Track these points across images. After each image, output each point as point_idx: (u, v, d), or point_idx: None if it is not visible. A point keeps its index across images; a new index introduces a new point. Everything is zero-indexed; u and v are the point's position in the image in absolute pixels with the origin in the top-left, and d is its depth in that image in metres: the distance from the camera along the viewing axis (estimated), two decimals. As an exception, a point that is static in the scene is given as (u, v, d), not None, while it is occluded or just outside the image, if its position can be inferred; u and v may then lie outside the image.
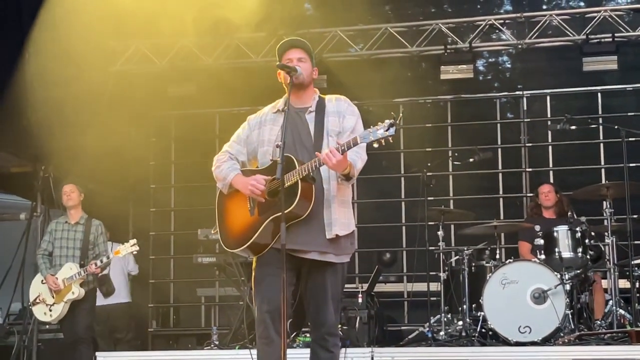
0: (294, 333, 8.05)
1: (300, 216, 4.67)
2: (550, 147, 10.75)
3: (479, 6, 11.40)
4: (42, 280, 8.09)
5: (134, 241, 7.97)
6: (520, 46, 10.24)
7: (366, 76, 10.46)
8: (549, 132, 10.63)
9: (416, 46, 10.41)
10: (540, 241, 8.18)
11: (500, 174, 10.89)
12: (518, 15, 10.18)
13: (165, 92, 10.84)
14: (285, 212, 4.56)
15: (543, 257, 8.09)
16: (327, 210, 4.77)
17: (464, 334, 8.16)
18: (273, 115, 4.99)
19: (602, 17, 9.92)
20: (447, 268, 8.73)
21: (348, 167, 4.65)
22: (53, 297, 8.02)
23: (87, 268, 7.86)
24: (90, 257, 8.03)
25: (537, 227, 8.24)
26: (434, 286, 8.88)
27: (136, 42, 10.71)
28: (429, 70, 11.05)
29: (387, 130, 4.42)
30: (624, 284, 8.24)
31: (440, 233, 8.71)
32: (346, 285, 5.99)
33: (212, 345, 8.45)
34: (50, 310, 8.04)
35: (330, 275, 4.83)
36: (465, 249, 8.53)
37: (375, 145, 4.49)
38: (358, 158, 4.76)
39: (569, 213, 8.58)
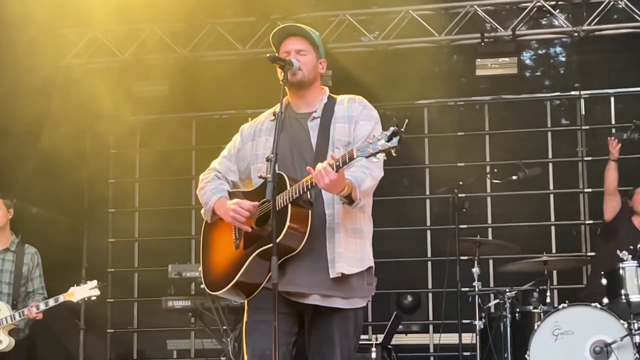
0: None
1: (293, 249, 4.67)
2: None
3: (524, -17, 11.47)
4: None
5: (93, 283, 7.90)
6: (577, 34, 10.26)
7: (382, 72, 10.49)
8: (614, 143, 10.64)
9: (446, 34, 10.45)
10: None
11: (551, 196, 10.92)
12: (574, -6, 10.25)
13: (129, 91, 10.87)
14: (272, 244, 4.55)
15: (606, 301, 8.09)
16: (331, 242, 4.75)
17: (505, 398, 8.17)
18: (270, 124, 4.96)
19: (680, -3, 9.98)
20: (484, 315, 8.71)
21: (346, 188, 4.59)
22: None
23: (27, 312, 7.79)
24: (22, 295, 7.99)
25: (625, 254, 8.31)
26: (468, 337, 8.86)
27: (92, 28, 10.74)
28: (461, 64, 11.10)
29: (388, 141, 4.34)
30: None
31: (475, 270, 8.71)
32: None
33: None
34: None
35: (338, 324, 4.81)
36: (507, 290, 8.52)
37: (375, 159, 4.42)
38: (367, 176, 4.71)
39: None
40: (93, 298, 7.94)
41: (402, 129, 4.34)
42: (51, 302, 7.83)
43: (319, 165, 4.50)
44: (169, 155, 11.26)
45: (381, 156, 4.41)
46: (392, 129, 4.34)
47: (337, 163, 4.46)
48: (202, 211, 5.07)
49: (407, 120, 4.39)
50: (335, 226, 4.76)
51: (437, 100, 11.18)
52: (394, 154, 4.37)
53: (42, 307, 7.81)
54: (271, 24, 10.11)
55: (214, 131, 10.85)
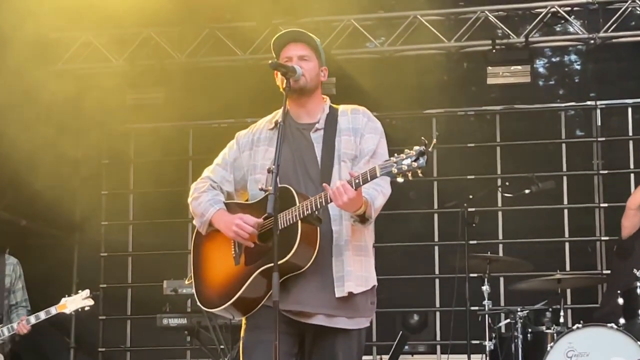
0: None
1: (301, 268, 4.66)
2: (632, 175, 10.75)
3: (538, -12, 11.47)
4: None
5: (86, 292, 7.86)
6: (592, 41, 10.27)
7: (389, 79, 10.50)
8: (631, 155, 10.63)
9: (455, 41, 10.45)
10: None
11: (565, 210, 10.90)
12: (590, 1, 10.21)
13: (124, 99, 10.86)
14: (281, 262, 4.53)
15: (623, 321, 8.06)
16: (337, 259, 4.75)
17: (516, 423, 8.14)
18: (269, 133, 4.97)
19: (700, 3, 9.98)
20: (494, 335, 8.70)
21: (363, 206, 4.61)
22: None
23: (17, 327, 7.77)
24: (5, 309, 7.97)
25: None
26: (477, 359, 8.85)
27: (85, 32, 10.75)
28: (472, 72, 11.10)
29: (415, 161, 4.35)
30: None
31: (485, 288, 8.70)
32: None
33: None
34: None
35: (342, 344, 4.82)
36: (519, 309, 8.50)
37: (400, 179, 4.42)
38: (379, 193, 4.73)
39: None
40: (87, 308, 7.92)
41: (429, 149, 4.35)
42: (42, 315, 7.81)
43: (337, 182, 4.51)
44: (165, 166, 11.24)
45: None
46: (419, 148, 4.36)
47: (357, 181, 4.47)
48: (196, 222, 5.05)
49: (435, 140, 4.40)
50: (343, 243, 4.76)
51: (446, 110, 11.18)
52: (421, 175, 4.38)
53: (33, 320, 7.80)
54: (273, 29, 10.09)
55: (211, 141, 10.72)
